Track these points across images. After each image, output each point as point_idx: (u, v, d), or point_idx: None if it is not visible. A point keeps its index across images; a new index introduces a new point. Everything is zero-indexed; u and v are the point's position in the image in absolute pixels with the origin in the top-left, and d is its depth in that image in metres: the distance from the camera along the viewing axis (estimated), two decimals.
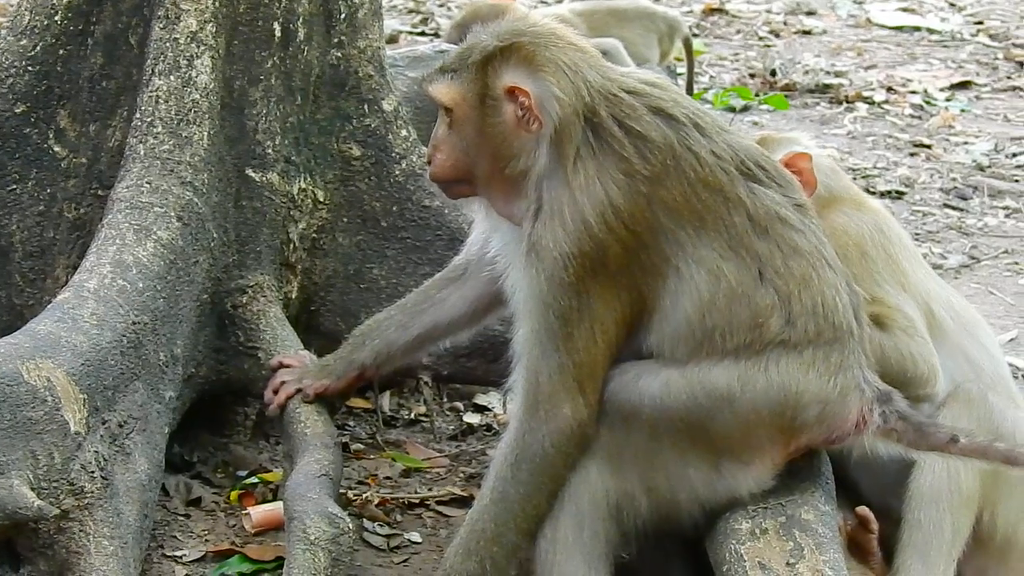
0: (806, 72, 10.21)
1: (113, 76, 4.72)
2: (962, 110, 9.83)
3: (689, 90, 8.87)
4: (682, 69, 9.10)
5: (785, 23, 11.94)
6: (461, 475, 4.93)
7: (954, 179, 8.37)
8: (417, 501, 4.74)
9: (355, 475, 4.83)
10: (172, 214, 4.41)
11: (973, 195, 8.16)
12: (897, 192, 8.13)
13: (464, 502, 4.70)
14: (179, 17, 4.57)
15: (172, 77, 4.55)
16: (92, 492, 3.86)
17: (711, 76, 10.29)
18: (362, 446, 5.03)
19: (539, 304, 3.73)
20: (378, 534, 4.56)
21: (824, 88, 10.01)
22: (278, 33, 4.73)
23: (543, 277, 3.71)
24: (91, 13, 4.70)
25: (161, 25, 4.58)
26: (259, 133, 4.71)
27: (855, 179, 7.58)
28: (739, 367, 3.72)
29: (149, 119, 4.53)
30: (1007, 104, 10.13)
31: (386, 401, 5.30)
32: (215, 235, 4.53)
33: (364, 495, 4.71)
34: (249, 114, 4.70)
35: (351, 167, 4.89)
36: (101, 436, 3.94)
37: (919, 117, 9.62)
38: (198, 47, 4.57)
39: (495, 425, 5.25)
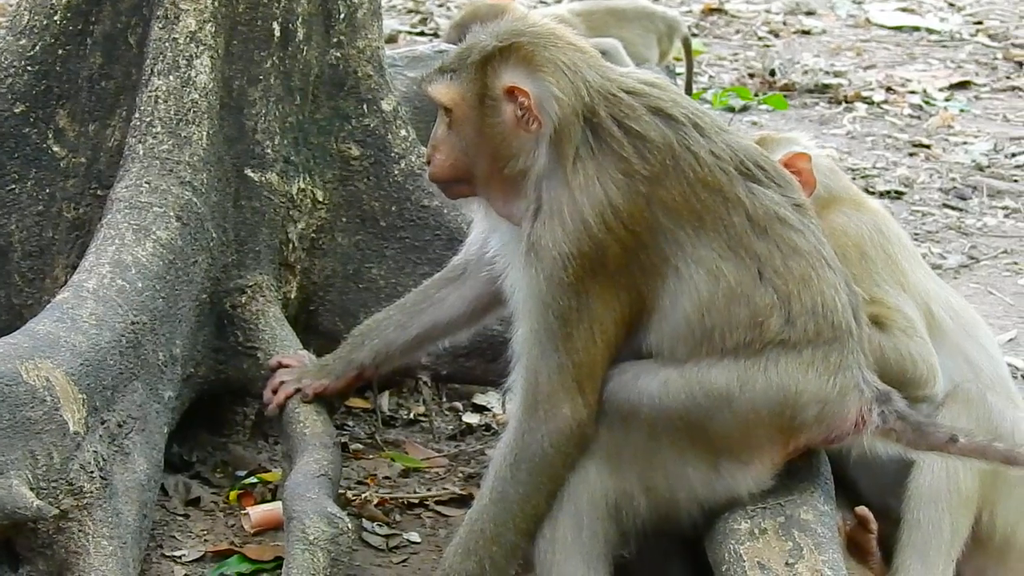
0: (805, 72, 10.20)
1: (112, 76, 4.72)
2: (961, 110, 9.82)
3: (688, 90, 8.86)
4: (681, 69, 9.09)
5: (784, 23, 11.93)
6: (460, 475, 4.92)
7: (953, 179, 8.36)
8: (416, 501, 4.74)
9: (354, 475, 4.83)
10: (171, 214, 4.40)
11: (972, 195, 8.15)
12: (896, 192, 8.13)
13: (463, 502, 4.70)
14: (178, 17, 4.57)
15: (171, 77, 4.54)
16: (91, 492, 3.86)
17: (710, 76, 10.28)
18: (361, 446, 5.03)
19: (538, 304, 3.73)
20: (377, 534, 4.56)
21: (823, 88, 10.00)
22: (277, 33, 4.73)
23: (542, 277, 3.71)
24: (90, 13, 4.70)
25: (160, 25, 4.58)
26: (258, 133, 4.71)
27: (854, 179, 7.58)
28: (738, 367, 3.72)
29: (148, 119, 4.53)
30: (1006, 104, 10.13)
31: (385, 401, 5.29)
32: (214, 235, 4.53)
33: (363, 495, 4.71)
34: (248, 114, 4.70)
35: (350, 167, 4.89)
36: (100, 436, 3.94)
37: (918, 117, 9.61)
38: (197, 47, 4.57)
39: (494, 425, 5.25)
